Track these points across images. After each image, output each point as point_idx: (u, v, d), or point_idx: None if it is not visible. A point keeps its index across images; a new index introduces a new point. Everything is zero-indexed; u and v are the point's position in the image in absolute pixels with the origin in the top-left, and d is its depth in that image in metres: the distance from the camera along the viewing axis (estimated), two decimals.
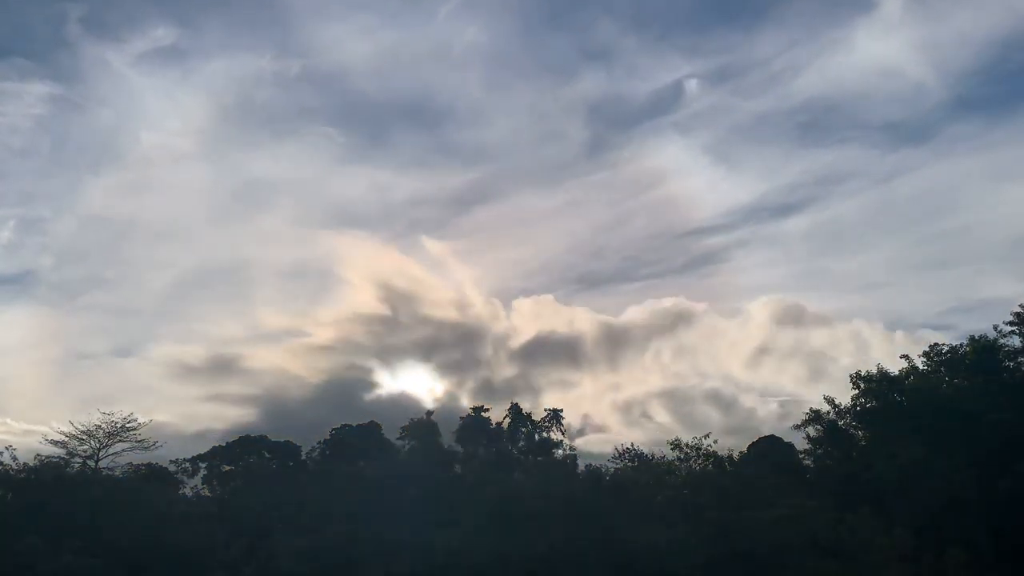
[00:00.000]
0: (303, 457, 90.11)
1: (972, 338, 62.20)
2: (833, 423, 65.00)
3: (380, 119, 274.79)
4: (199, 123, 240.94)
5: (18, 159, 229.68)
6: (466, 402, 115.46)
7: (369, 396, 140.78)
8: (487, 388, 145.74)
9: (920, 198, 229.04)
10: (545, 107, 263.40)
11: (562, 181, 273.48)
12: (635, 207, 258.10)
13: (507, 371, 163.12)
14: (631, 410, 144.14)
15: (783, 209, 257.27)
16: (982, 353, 60.37)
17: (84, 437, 71.80)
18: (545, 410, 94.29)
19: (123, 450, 73.43)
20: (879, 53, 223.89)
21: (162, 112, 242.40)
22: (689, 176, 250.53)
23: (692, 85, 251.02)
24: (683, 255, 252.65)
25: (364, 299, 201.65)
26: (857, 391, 64.14)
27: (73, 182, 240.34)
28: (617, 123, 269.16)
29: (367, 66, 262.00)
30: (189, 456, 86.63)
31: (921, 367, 63.48)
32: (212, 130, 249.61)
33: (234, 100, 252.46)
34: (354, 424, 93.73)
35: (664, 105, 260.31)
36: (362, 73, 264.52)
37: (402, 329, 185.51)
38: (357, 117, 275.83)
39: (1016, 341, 60.75)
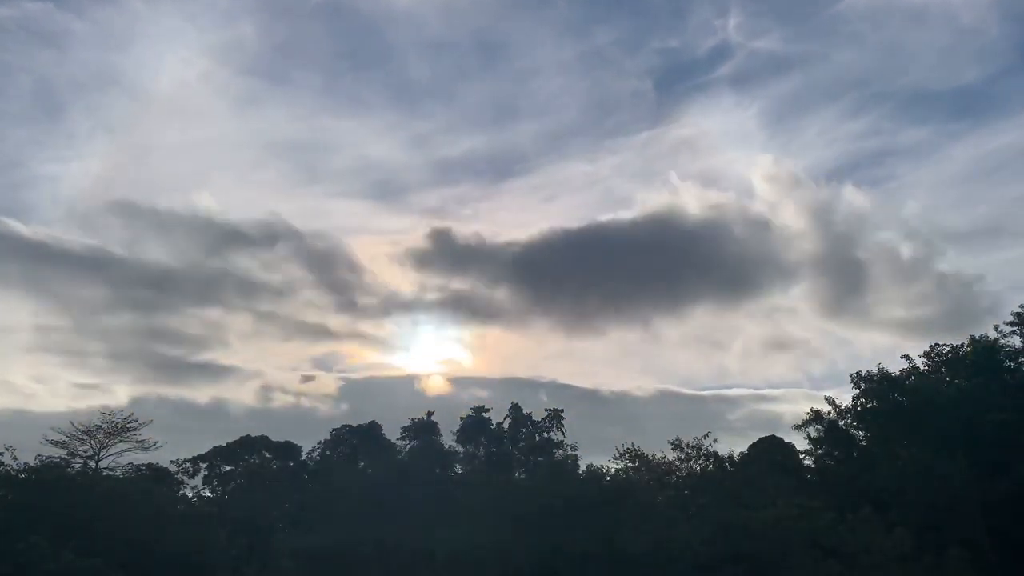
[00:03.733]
0: (303, 457, 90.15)
1: (973, 338, 62.22)
2: (834, 423, 64.95)
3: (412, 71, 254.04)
4: (206, 65, 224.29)
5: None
6: None
7: None
8: None
9: (978, 167, 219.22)
10: (592, 59, 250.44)
11: (602, 141, 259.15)
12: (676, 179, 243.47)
13: None
14: None
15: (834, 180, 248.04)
16: (983, 353, 60.35)
17: (84, 437, 71.68)
18: (545, 410, 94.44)
19: (123, 450, 73.30)
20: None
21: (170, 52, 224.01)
22: (737, 143, 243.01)
23: (745, 42, 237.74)
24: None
25: None
26: (858, 391, 64.10)
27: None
28: (666, 78, 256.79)
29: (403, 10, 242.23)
30: (189, 456, 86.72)
31: (922, 367, 63.45)
32: (221, 75, 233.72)
33: (248, 40, 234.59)
34: (354, 424, 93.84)
35: (715, 62, 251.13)
36: (396, 18, 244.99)
37: None
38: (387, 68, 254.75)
39: (1017, 341, 60.76)
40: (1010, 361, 60.37)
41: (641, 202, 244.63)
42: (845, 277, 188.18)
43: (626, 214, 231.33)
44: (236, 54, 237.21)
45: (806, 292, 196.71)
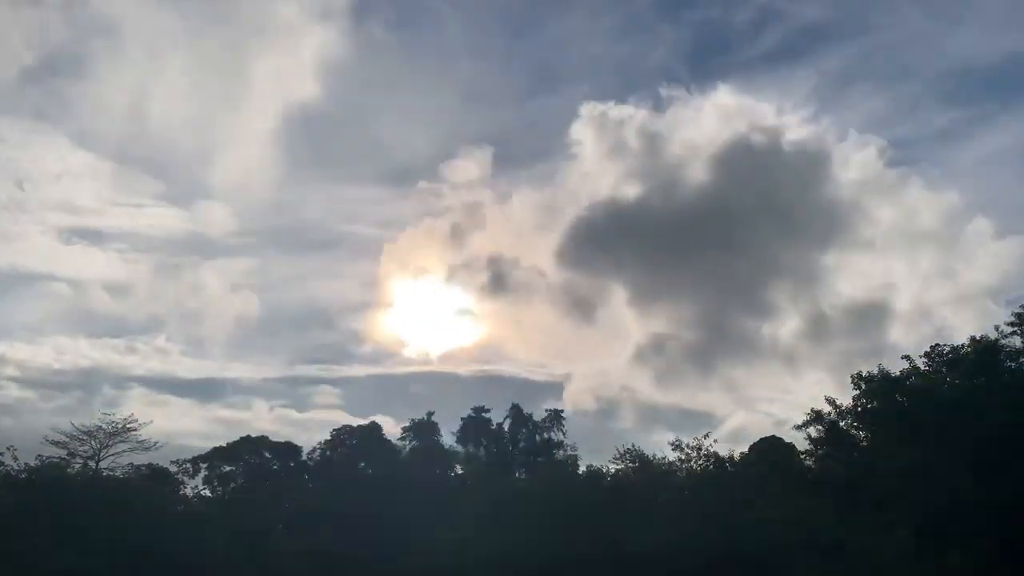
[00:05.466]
0: (303, 457, 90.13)
1: (973, 338, 61.98)
2: (834, 423, 64.74)
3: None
4: None
5: None
6: None
7: None
8: None
9: None
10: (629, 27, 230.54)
11: None
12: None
13: None
14: None
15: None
16: (983, 353, 60.11)
17: (85, 438, 71.74)
18: (546, 411, 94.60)
19: (124, 451, 73.37)
20: None
21: None
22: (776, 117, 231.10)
23: (787, 9, 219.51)
24: None
25: None
26: (858, 391, 63.99)
27: None
28: (704, 48, 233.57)
29: None
30: (190, 456, 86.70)
31: (922, 367, 63.36)
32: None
33: None
34: (354, 424, 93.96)
35: (754, 33, 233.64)
36: None
37: None
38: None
39: (1017, 341, 60.42)
40: (1010, 361, 60.09)
41: None
42: None
43: None
44: None
45: None
